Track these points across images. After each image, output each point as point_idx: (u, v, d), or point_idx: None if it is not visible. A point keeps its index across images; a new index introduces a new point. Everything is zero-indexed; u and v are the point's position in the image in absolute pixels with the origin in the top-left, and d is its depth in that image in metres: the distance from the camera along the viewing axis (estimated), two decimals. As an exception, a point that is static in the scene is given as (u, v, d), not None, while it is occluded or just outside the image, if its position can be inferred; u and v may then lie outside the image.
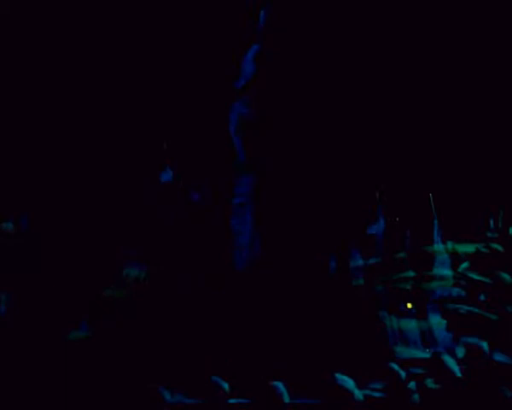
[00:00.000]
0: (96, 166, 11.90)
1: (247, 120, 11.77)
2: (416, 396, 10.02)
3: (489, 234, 11.27)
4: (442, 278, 11.58)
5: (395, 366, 10.26)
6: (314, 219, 11.67)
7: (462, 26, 12.07)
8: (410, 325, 11.40)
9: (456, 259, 11.49)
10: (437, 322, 11.36)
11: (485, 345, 10.32)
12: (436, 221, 11.73)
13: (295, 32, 11.91)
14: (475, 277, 11.05)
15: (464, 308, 10.93)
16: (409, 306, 11.39)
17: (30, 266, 11.48)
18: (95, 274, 11.44)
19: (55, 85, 12.06)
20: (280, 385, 10.11)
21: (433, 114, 12.06)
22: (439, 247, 11.67)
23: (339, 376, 10.03)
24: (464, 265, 11.26)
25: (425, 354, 10.95)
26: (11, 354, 10.87)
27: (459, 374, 10.06)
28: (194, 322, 11.21)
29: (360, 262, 11.59)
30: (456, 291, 11.22)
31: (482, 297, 11.01)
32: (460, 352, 10.72)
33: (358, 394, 9.97)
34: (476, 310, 10.84)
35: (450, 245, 11.36)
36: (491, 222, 11.35)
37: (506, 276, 10.89)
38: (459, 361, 10.36)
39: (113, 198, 11.74)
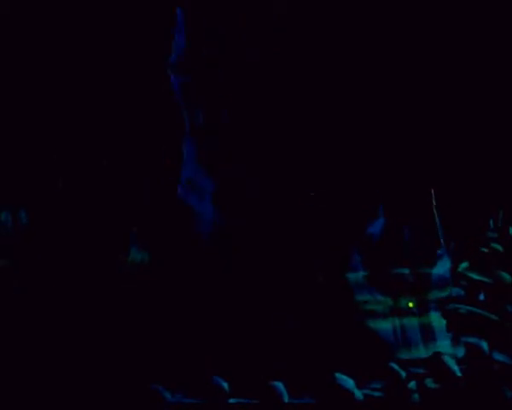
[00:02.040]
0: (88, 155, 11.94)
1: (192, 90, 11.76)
2: (416, 396, 10.02)
3: (489, 234, 11.27)
4: (442, 278, 11.59)
5: (395, 366, 10.27)
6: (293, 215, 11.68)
7: (462, 27, 12.08)
8: (411, 325, 11.41)
9: (456, 259, 11.50)
10: (437, 322, 11.36)
11: (485, 345, 10.32)
12: (437, 221, 11.73)
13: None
14: (475, 277, 11.05)
15: (464, 308, 10.93)
16: (410, 305, 11.40)
17: (29, 258, 11.49)
18: (94, 268, 11.45)
19: (56, 82, 12.08)
20: (280, 385, 10.12)
21: (433, 115, 12.06)
22: (439, 247, 11.67)
23: (339, 376, 10.03)
24: (464, 265, 11.26)
25: (425, 354, 10.95)
26: (7, 351, 10.89)
27: (459, 374, 10.06)
28: (194, 321, 11.21)
29: (359, 264, 11.61)
30: (456, 291, 11.22)
31: (482, 297, 11.01)
32: (460, 352, 10.73)
33: (358, 393, 9.97)
34: (476, 310, 10.84)
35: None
36: (491, 222, 11.36)
37: (506, 276, 10.90)
38: (459, 361, 10.36)
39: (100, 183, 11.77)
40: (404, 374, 10.27)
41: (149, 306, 11.35)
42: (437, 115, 12.09)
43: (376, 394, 10.17)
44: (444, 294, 11.42)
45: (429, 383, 10.15)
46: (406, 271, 11.54)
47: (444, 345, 11.26)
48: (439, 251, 11.67)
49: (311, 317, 11.18)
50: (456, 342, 11.16)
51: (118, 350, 10.99)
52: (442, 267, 11.63)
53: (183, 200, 11.76)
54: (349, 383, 9.95)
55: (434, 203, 11.78)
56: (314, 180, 11.83)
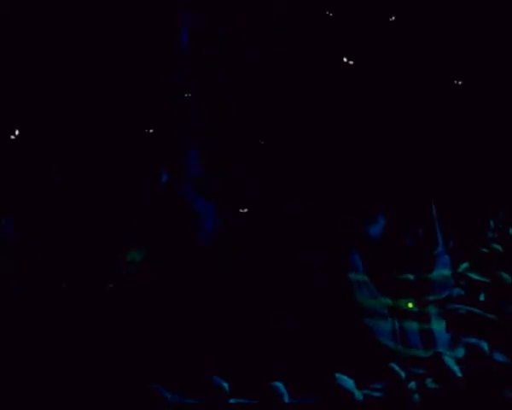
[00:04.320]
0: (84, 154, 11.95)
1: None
2: (416, 396, 10.01)
3: (489, 234, 11.27)
4: (442, 278, 11.58)
5: (395, 366, 10.26)
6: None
7: (462, 30, 12.08)
8: (411, 326, 11.40)
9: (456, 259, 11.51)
10: (437, 322, 11.36)
11: (485, 345, 10.31)
12: (437, 222, 11.73)
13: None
14: (475, 277, 11.05)
15: (464, 308, 10.93)
16: (410, 306, 11.40)
17: (27, 262, 11.48)
18: (94, 269, 11.44)
19: (54, 83, 12.08)
20: (280, 385, 10.10)
21: (432, 116, 12.06)
22: (439, 247, 11.67)
23: (339, 376, 10.02)
24: (464, 265, 11.27)
25: (425, 355, 10.95)
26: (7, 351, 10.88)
27: (459, 374, 10.06)
28: (194, 321, 11.20)
29: (359, 265, 11.59)
30: (456, 291, 11.23)
31: (482, 297, 11.01)
32: (460, 352, 10.72)
33: (358, 394, 9.96)
34: (476, 310, 10.84)
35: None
36: (491, 222, 11.36)
37: (506, 276, 10.90)
38: (459, 361, 10.36)
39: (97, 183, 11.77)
40: (404, 374, 10.26)
41: (149, 306, 11.34)
42: (436, 116, 12.09)
43: (376, 394, 10.15)
44: (444, 294, 11.42)
45: (429, 383, 10.14)
46: (406, 271, 11.55)
47: (444, 345, 11.26)
48: (438, 252, 11.67)
49: (312, 317, 11.18)
50: (456, 342, 11.16)
51: (118, 350, 10.99)
52: (442, 268, 11.62)
53: (184, 200, 11.77)
54: (349, 383, 9.93)
55: (434, 204, 11.77)
56: (314, 181, 11.83)
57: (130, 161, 11.98)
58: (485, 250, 11.18)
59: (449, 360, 10.22)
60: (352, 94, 11.91)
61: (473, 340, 10.39)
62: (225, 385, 10.12)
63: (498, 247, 11.14)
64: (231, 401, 10.12)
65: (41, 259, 11.54)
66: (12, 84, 12.03)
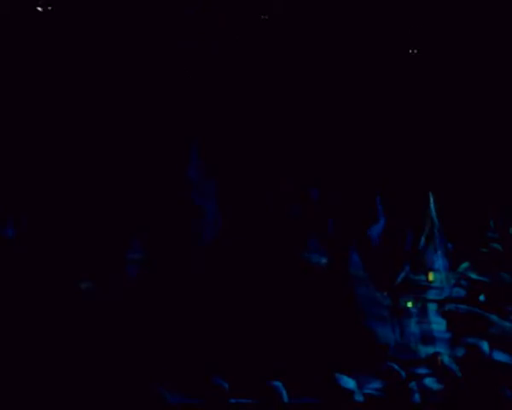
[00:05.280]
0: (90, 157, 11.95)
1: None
2: (417, 396, 10.02)
3: (489, 234, 11.28)
4: (442, 278, 11.58)
5: (395, 366, 10.27)
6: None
7: (460, 26, 12.08)
8: (411, 325, 11.41)
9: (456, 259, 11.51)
10: (437, 322, 11.36)
11: (485, 345, 10.32)
12: (437, 222, 11.73)
13: None
14: (475, 277, 11.06)
15: (464, 308, 10.94)
16: (409, 305, 11.40)
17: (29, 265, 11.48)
18: (94, 269, 11.45)
19: (55, 82, 12.08)
20: (280, 385, 10.10)
21: (432, 116, 12.06)
22: (439, 247, 11.67)
23: (339, 376, 10.03)
24: (464, 265, 11.27)
25: (425, 354, 10.95)
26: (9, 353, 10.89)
27: (459, 374, 10.07)
28: (195, 321, 11.20)
29: (359, 265, 11.60)
30: (456, 291, 11.23)
31: (482, 297, 11.02)
32: (460, 352, 10.72)
33: (359, 394, 9.97)
34: (476, 310, 10.85)
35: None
36: (492, 222, 11.37)
37: (506, 276, 10.91)
38: (459, 361, 10.37)
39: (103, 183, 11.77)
40: (404, 374, 10.27)
41: (149, 306, 11.34)
42: (436, 116, 12.09)
43: (376, 394, 10.16)
44: (444, 294, 11.43)
45: (429, 383, 10.15)
46: (406, 271, 11.55)
47: (443, 345, 11.26)
48: (438, 251, 11.67)
49: (312, 317, 11.18)
50: (455, 342, 11.16)
51: (118, 350, 10.98)
52: (442, 268, 11.63)
53: (185, 200, 11.76)
54: (349, 383, 9.95)
55: (434, 203, 11.78)
56: (315, 180, 11.83)
57: (131, 161, 11.98)
58: (485, 250, 11.19)
59: (449, 360, 10.23)
60: (351, 93, 11.92)
61: (473, 340, 10.40)
62: (225, 385, 10.13)
63: (498, 247, 11.15)
64: (231, 401, 10.12)
65: (41, 259, 11.54)
66: (12, 85, 12.03)
